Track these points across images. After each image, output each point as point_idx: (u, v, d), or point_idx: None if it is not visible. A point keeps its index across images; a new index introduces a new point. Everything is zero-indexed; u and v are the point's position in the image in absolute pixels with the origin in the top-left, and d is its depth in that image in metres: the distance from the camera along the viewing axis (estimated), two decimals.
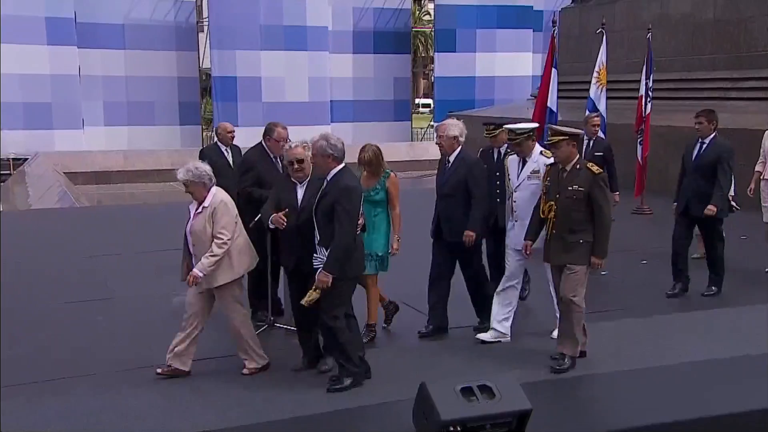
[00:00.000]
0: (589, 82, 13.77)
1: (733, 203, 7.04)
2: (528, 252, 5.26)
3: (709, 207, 6.44)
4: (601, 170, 5.08)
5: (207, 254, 4.81)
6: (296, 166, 4.87)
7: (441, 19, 26.69)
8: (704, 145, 6.57)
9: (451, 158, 5.63)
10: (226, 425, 4.18)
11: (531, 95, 20.47)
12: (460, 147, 5.63)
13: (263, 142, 5.99)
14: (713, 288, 6.65)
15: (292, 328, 5.43)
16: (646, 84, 9.38)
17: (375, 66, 26.98)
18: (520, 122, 5.74)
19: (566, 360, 4.94)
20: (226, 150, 7.64)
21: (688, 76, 12.22)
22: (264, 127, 6.08)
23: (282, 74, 24.87)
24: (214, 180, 4.94)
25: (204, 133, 26.41)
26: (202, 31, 26.19)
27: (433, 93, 27.79)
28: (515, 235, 5.51)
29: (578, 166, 5.03)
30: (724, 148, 6.56)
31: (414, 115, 30.06)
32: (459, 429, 3.64)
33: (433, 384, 3.77)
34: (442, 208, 5.68)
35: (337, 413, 4.34)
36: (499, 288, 5.52)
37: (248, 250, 5.05)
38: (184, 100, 25.47)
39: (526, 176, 5.52)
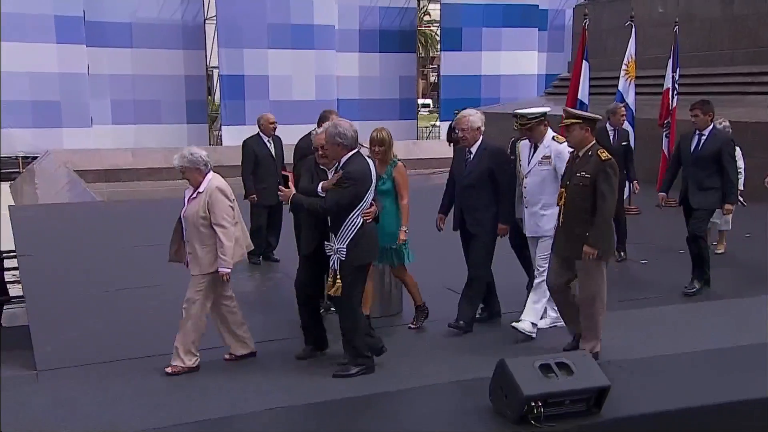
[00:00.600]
0: (604, 78, 13.94)
1: (740, 198, 7.07)
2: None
3: (727, 207, 6.50)
4: (611, 157, 4.89)
5: (219, 249, 4.79)
6: (320, 152, 4.94)
7: (447, 17, 26.79)
8: (703, 137, 6.51)
9: (474, 149, 5.57)
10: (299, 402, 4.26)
11: (544, 92, 20.65)
12: (481, 137, 5.59)
13: (316, 130, 6.08)
14: (695, 284, 6.52)
15: None
16: (673, 77, 9.48)
17: (381, 65, 27.04)
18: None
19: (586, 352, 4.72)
20: (268, 141, 7.79)
21: (706, 71, 12.35)
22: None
23: (289, 72, 24.91)
24: (210, 166, 4.91)
25: (211, 132, 26.46)
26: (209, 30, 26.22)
27: (439, 91, 27.82)
28: (527, 222, 5.47)
29: (590, 153, 4.86)
30: (725, 140, 6.55)
31: None
32: (540, 404, 3.73)
33: (513, 361, 3.88)
34: (464, 200, 5.63)
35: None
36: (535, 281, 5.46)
37: (241, 240, 5.03)
38: (191, 99, 25.47)
39: (537, 162, 5.44)
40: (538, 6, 27.01)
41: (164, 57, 24.65)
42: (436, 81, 32.06)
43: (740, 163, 7.42)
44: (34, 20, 21.91)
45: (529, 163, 5.46)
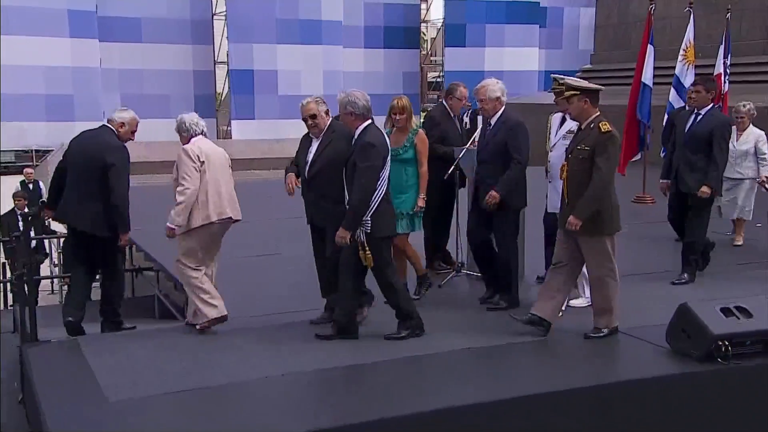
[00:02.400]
0: (629, 69, 14.50)
1: (765, 186, 7.10)
2: None
3: (703, 189, 6.01)
4: (611, 129, 4.72)
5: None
6: (309, 122, 5.03)
7: (451, 14, 27.29)
8: (699, 117, 6.16)
9: (493, 120, 5.41)
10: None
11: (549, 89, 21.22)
12: (503, 108, 5.40)
13: (444, 101, 6.47)
14: (684, 276, 6.15)
15: (476, 273, 5.97)
16: (724, 63, 9.98)
17: (385, 60, 27.48)
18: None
19: (603, 330, 4.78)
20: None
21: (736, 60, 12.99)
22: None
23: (298, 68, 25.23)
24: (192, 131, 5.30)
25: (219, 127, 26.65)
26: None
27: (443, 87, 28.30)
28: (550, 197, 5.41)
29: (591, 125, 4.71)
30: (720, 122, 6.18)
31: None
32: (727, 343, 4.22)
33: (696, 304, 4.35)
34: (480, 174, 5.55)
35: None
36: None
37: (210, 206, 5.11)
38: (200, 93, 25.67)
39: (562, 135, 5.32)
40: (539, 3, 27.66)
41: (173, 52, 24.83)
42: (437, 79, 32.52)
43: (765, 149, 7.27)
44: (48, 15, 21.99)
45: (555, 135, 5.38)
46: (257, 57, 24.74)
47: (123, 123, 5.87)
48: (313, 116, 5.02)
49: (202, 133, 5.50)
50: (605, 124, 4.68)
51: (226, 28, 25.75)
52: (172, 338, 5.05)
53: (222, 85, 27.30)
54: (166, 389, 4.03)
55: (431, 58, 34.09)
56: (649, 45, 9.43)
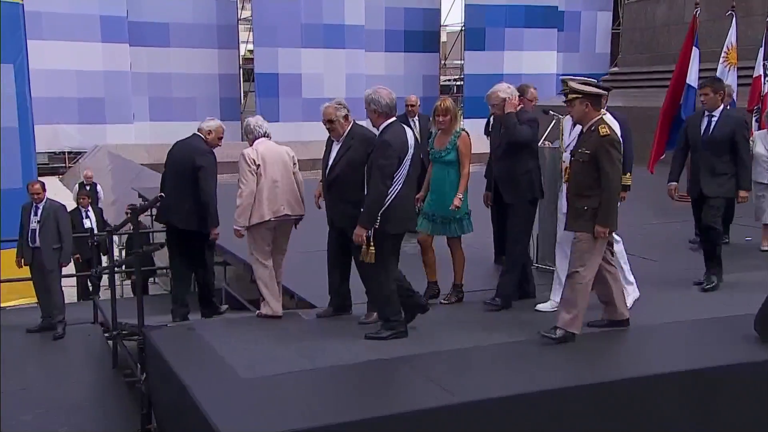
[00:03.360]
0: (656, 72, 14.83)
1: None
2: None
3: (742, 194, 6.03)
4: (610, 133, 4.74)
5: None
6: (327, 126, 5.22)
7: (471, 18, 27.78)
8: (714, 119, 6.04)
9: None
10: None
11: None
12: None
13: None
14: (713, 279, 6.02)
15: (550, 267, 6.15)
16: (764, 65, 10.30)
17: (405, 64, 28.00)
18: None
19: (556, 332, 4.74)
20: (412, 121, 8.35)
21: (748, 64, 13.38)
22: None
23: (321, 71, 25.80)
24: (257, 132, 5.71)
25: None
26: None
27: (463, 90, 28.82)
28: (562, 199, 5.38)
29: (592, 128, 4.76)
30: (739, 121, 6.11)
31: None
32: None
33: None
34: (497, 172, 5.68)
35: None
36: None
37: (264, 205, 5.47)
38: (225, 96, 26.25)
39: (576, 137, 5.23)
40: (557, 7, 28.15)
41: (200, 56, 25.43)
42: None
43: None
44: (81, 20, 22.61)
45: (569, 137, 5.41)
46: (282, 60, 25.30)
47: (210, 131, 6.44)
48: (330, 121, 5.22)
49: (265, 135, 5.87)
50: (604, 128, 4.72)
51: (250, 33, 26.33)
52: (272, 325, 5.54)
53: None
54: (285, 369, 4.52)
55: (443, 62, 34.53)
56: (693, 47, 9.73)
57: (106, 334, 7.72)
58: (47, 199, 7.84)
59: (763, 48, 10.48)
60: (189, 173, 6.14)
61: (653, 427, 4.31)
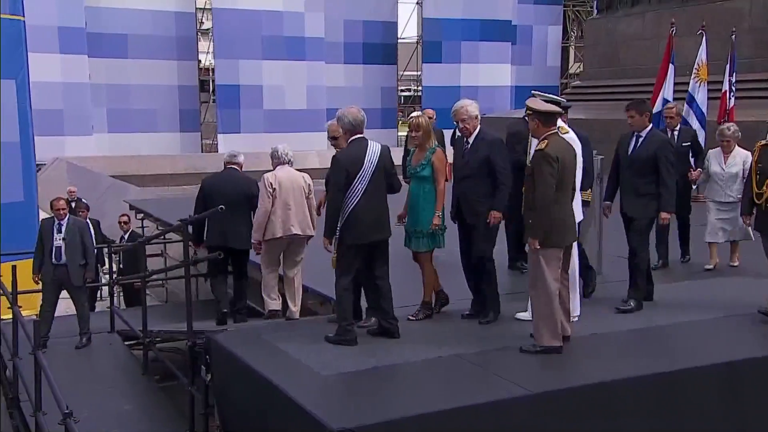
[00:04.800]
0: (619, 86, 15.57)
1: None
2: None
3: (663, 216, 5.98)
4: (543, 148, 4.91)
5: None
6: (332, 142, 5.69)
7: (428, 31, 28.32)
8: (640, 139, 6.08)
9: (471, 139, 5.56)
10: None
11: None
12: (479, 127, 5.56)
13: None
14: (630, 303, 5.98)
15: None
16: (730, 81, 11.04)
17: (364, 76, 28.32)
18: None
19: (532, 345, 4.96)
20: None
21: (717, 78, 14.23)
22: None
23: (282, 83, 25.92)
24: (282, 159, 6.46)
25: (203, 141, 27.06)
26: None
27: (421, 101, 29.30)
28: None
29: (539, 144, 4.99)
30: (662, 142, 6.10)
31: None
32: None
33: None
34: (461, 190, 5.64)
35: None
36: None
37: (277, 223, 6.27)
38: (184, 108, 26.11)
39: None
40: (510, 21, 28.93)
41: (159, 67, 25.25)
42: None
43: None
44: (39, 31, 22.00)
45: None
46: (243, 72, 25.32)
47: (241, 163, 7.35)
48: (334, 138, 5.63)
49: (288, 162, 6.59)
50: (544, 142, 4.93)
51: (210, 45, 26.27)
52: (322, 328, 5.71)
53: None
54: (354, 368, 4.75)
55: (399, 73, 35.01)
56: (670, 65, 10.38)
57: (127, 342, 7.77)
58: (70, 215, 7.86)
59: (728, 64, 11.21)
60: (244, 200, 6.87)
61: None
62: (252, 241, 6.48)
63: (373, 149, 5.19)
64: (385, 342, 5.24)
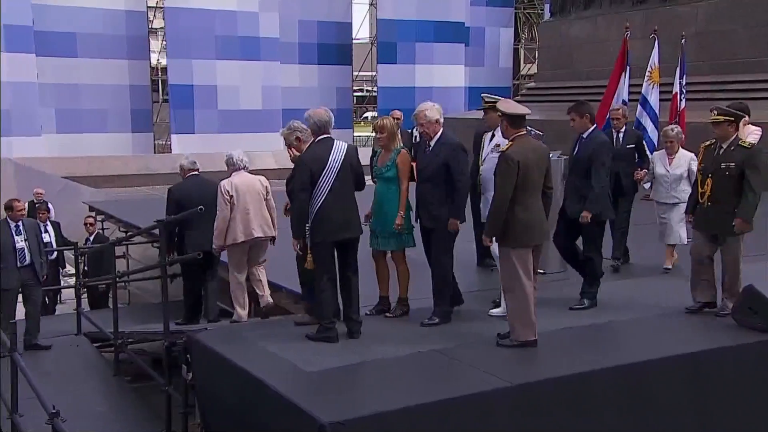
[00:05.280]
0: (571, 87, 15.93)
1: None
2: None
3: (583, 214, 5.98)
4: (505, 150, 5.10)
5: None
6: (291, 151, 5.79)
7: (383, 32, 28.45)
8: (581, 141, 6.18)
9: (432, 142, 5.58)
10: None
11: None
12: (441, 129, 5.56)
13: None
14: (585, 301, 6.10)
15: None
16: (680, 83, 11.43)
17: (319, 76, 28.31)
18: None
19: (510, 340, 5.12)
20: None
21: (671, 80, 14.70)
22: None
23: (237, 83, 25.74)
24: (236, 166, 6.71)
25: (156, 141, 26.69)
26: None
27: (377, 102, 29.45)
28: (482, 209, 5.72)
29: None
30: (597, 144, 6.12)
31: None
32: None
33: (761, 285, 5.42)
34: (420, 193, 5.67)
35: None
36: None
37: (238, 228, 6.53)
38: (136, 108, 25.71)
39: (489, 149, 5.65)
40: (464, 23, 29.28)
41: (109, 67, 24.80)
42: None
43: None
44: None
45: (485, 150, 5.72)
46: (196, 72, 25.06)
47: (199, 169, 7.65)
48: (289, 146, 5.83)
49: (244, 168, 6.81)
50: (507, 144, 5.10)
51: (162, 44, 25.93)
52: (300, 327, 5.75)
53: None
54: (337, 364, 4.82)
55: (354, 74, 35.07)
56: (627, 66, 10.68)
57: (94, 344, 7.69)
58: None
59: (679, 67, 11.61)
60: (214, 205, 6.76)
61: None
62: (213, 247, 6.68)
63: (339, 147, 5.27)
64: (364, 339, 5.33)
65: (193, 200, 6.92)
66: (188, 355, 5.26)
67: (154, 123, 26.66)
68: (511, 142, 5.10)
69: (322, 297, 5.27)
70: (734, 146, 5.70)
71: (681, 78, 11.54)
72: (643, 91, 11.38)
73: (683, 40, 11.48)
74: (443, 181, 5.47)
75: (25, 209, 7.68)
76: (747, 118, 6.97)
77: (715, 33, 14.42)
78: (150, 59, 26.31)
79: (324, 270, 5.25)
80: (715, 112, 5.79)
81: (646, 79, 11.32)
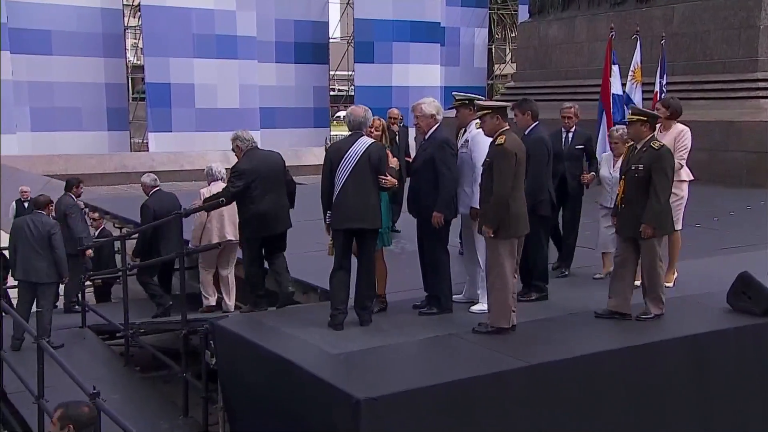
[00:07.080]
0: (551, 87, 16.23)
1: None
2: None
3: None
4: (503, 142, 5.19)
5: None
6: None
7: (360, 32, 28.63)
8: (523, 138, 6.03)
9: (427, 136, 5.68)
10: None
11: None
12: (437, 125, 5.61)
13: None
14: (533, 295, 6.14)
15: None
16: (660, 83, 11.77)
17: (296, 75, 28.40)
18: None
19: (485, 326, 5.28)
20: (396, 133, 8.99)
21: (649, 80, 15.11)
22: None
23: (214, 81, 25.72)
24: (215, 176, 7.68)
25: (132, 139, 26.53)
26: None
27: (354, 101, 29.57)
28: (461, 199, 5.65)
29: (495, 138, 5.31)
30: (532, 142, 5.95)
31: None
32: None
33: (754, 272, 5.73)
34: (411, 183, 5.84)
35: None
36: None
37: (213, 231, 7.45)
38: (112, 106, 25.55)
39: (460, 144, 5.64)
40: (439, 23, 29.59)
41: (84, 65, 24.61)
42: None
43: None
44: None
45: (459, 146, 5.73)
46: (174, 70, 24.99)
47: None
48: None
49: (221, 179, 7.63)
50: (501, 137, 5.19)
51: (139, 42, 25.78)
52: (314, 314, 5.90)
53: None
54: (360, 347, 5.01)
55: (331, 73, 35.20)
56: (613, 65, 10.96)
57: (101, 336, 7.77)
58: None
59: (659, 67, 11.94)
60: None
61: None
62: (189, 249, 7.43)
63: (361, 142, 5.44)
64: (379, 325, 5.52)
65: (165, 209, 7.87)
66: (212, 342, 5.40)
67: (130, 121, 26.51)
68: (503, 136, 5.22)
69: (331, 284, 5.48)
70: (646, 147, 5.56)
71: (662, 77, 11.86)
72: (626, 90, 11.67)
73: (663, 41, 11.83)
74: (430, 176, 5.57)
75: (51, 203, 8.01)
76: (660, 119, 6.35)
77: (690, 34, 14.84)
78: (126, 57, 26.14)
79: (336, 257, 5.49)
80: (629, 111, 5.85)
81: (629, 78, 11.61)
